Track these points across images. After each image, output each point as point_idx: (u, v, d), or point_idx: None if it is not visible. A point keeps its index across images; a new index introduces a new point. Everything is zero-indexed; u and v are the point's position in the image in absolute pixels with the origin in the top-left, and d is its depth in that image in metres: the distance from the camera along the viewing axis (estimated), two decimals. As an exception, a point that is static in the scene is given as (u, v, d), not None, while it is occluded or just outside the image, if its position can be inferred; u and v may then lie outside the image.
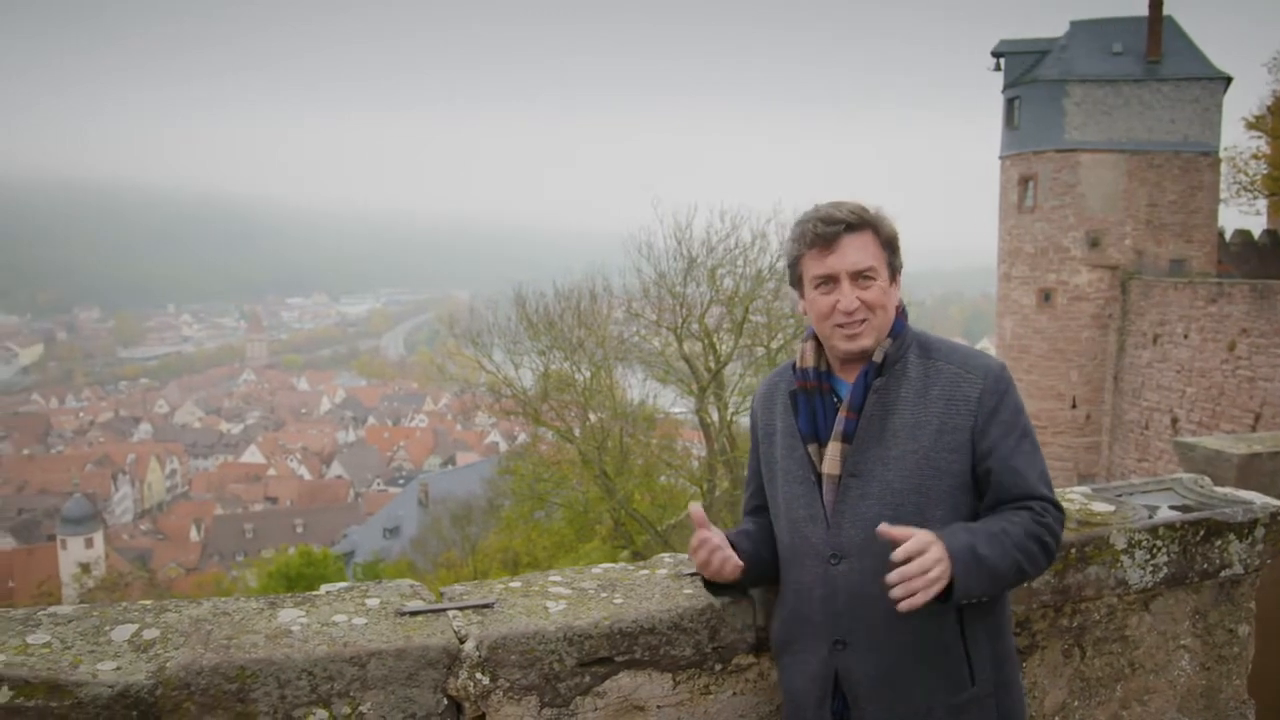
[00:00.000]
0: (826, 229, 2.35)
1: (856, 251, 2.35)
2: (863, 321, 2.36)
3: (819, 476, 2.42)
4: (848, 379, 2.44)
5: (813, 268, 2.39)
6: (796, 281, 2.48)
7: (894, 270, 2.42)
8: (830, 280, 2.37)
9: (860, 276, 2.36)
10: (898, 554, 2.13)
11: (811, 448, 2.44)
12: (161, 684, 2.21)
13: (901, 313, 2.45)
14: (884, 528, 2.17)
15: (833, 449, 2.39)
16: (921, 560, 2.11)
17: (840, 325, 2.37)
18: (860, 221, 2.37)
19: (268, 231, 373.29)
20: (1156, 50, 30.05)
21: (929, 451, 2.32)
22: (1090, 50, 30.73)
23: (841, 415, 2.40)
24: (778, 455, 2.53)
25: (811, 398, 2.47)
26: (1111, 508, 3.29)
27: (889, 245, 2.41)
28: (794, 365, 2.54)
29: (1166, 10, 30.51)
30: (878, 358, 2.39)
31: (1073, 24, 31.65)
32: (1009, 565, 2.23)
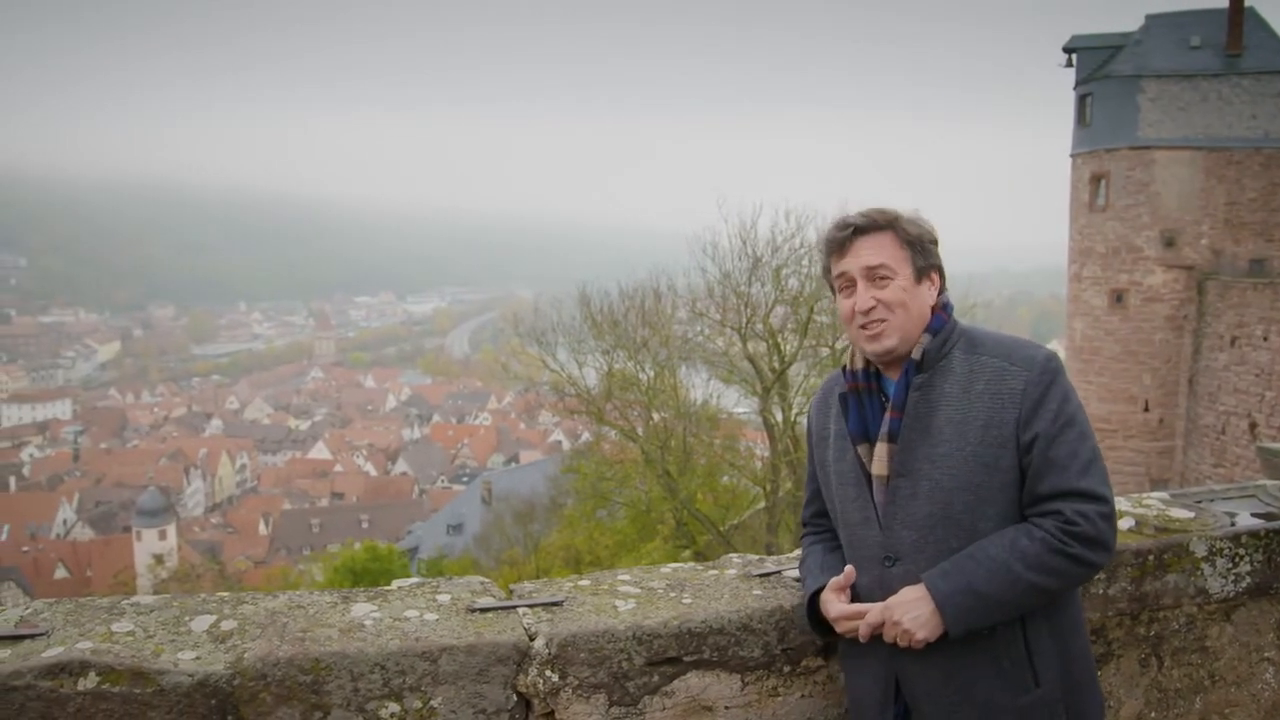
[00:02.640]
0: (838, 234, 2.41)
1: (870, 252, 2.37)
2: (882, 321, 2.35)
3: (870, 478, 2.40)
4: (894, 378, 2.42)
5: (834, 271, 2.44)
6: (831, 290, 2.51)
7: (921, 270, 2.39)
8: (850, 283, 2.39)
9: (876, 276, 2.36)
10: (864, 635, 2.34)
11: (861, 448, 2.43)
12: (239, 674, 2.26)
13: (944, 309, 2.42)
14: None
15: (880, 449, 2.38)
16: (886, 626, 2.29)
17: (862, 327, 2.37)
18: (871, 223, 2.38)
19: (335, 231, 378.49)
20: (1237, 44, 29.24)
21: (976, 448, 2.27)
22: (1167, 44, 29.99)
23: (887, 415, 2.39)
24: (830, 459, 2.53)
25: (862, 399, 2.45)
26: (1191, 514, 3.21)
27: (913, 244, 2.38)
28: (844, 368, 2.53)
29: (1248, 1, 29.68)
30: (916, 355, 2.36)
31: (1148, 18, 30.91)
32: (1021, 590, 2.20)
